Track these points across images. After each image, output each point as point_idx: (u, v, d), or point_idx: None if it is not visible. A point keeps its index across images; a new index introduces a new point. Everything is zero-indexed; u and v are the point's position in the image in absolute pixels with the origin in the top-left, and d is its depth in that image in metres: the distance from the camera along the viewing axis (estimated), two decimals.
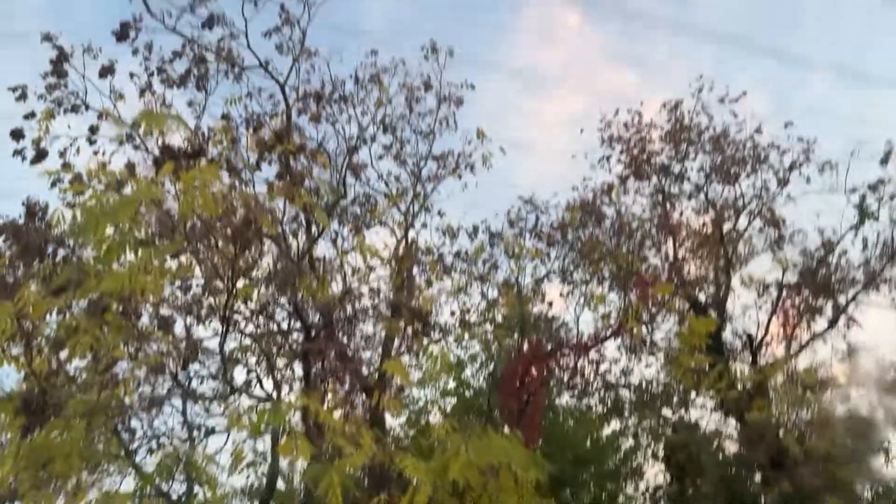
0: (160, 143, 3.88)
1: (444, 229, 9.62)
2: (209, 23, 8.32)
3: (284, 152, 5.77)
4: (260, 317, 7.68)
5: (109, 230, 3.53)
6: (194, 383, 7.64)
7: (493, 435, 4.96)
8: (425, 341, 5.82)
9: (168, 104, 8.72)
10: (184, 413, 8.37)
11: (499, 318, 12.54)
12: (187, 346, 5.22)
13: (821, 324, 11.20)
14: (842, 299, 11.13)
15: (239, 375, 8.61)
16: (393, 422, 11.60)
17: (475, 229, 9.51)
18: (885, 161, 10.44)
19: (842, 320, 11.07)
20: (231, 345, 8.25)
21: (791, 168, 11.39)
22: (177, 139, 4.23)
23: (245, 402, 7.73)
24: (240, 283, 5.17)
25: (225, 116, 8.59)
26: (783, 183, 11.48)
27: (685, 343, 7.75)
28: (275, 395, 7.13)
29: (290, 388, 7.68)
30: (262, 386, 8.39)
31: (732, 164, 11.77)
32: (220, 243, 4.47)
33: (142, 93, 8.73)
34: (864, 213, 10.68)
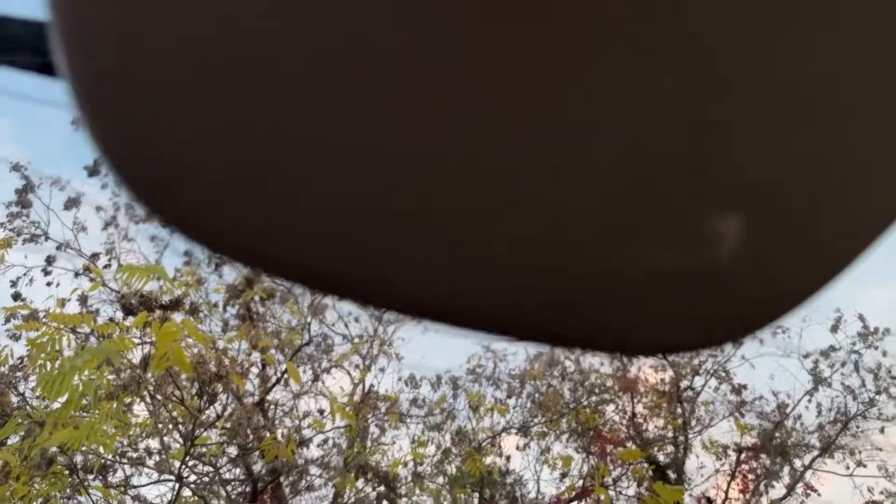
0: (136, 293, 3.76)
1: (406, 378, 9.43)
2: None
3: (253, 298, 5.66)
4: (206, 467, 7.21)
5: (74, 381, 3.31)
6: None
7: None
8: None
9: (131, 238, 8.65)
10: None
11: (452, 470, 12.10)
12: None
13: (779, 489, 11.08)
14: (798, 464, 11.09)
15: None
16: None
17: (438, 379, 9.37)
18: (835, 329, 10.82)
19: (799, 486, 10.98)
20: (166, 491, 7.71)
21: None
22: (151, 285, 4.14)
23: None
24: (197, 433, 4.87)
25: (188, 253, 8.51)
26: (738, 344, 11.73)
27: None
28: None
29: None
30: None
31: None
32: (184, 397, 4.24)
33: (106, 226, 8.65)
34: (817, 379, 10.90)
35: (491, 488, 11.85)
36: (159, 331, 3.27)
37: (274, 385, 7.15)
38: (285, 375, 8.04)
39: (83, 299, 4.70)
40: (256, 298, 7.18)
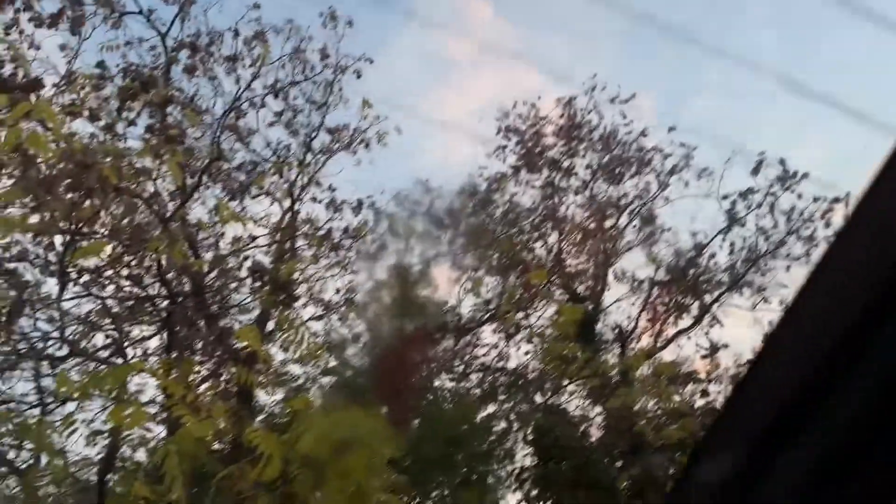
0: None
1: (327, 202, 9.46)
2: None
3: (153, 104, 5.43)
4: (120, 279, 7.27)
5: None
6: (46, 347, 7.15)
7: (351, 410, 4.90)
8: (289, 313, 5.63)
9: (37, 46, 8.12)
10: (36, 378, 7.86)
11: (386, 300, 12.51)
12: (16, 294, 4.80)
13: (686, 321, 11.80)
14: (707, 299, 11.76)
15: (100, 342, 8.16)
16: (267, 399, 11.38)
17: (359, 203, 9.40)
18: (755, 171, 11.09)
19: (706, 319, 11.71)
20: (87, 307, 7.82)
21: (671, 172, 11.92)
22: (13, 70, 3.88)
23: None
24: (87, 241, 4.82)
25: (100, 65, 8.07)
26: (663, 186, 12.00)
27: (557, 330, 7.98)
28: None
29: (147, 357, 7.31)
30: (122, 354, 7.95)
31: (618, 164, 12.20)
32: (55, 189, 4.11)
33: (6, 30, 8.07)
34: (732, 219, 11.31)
35: (421, 314, 12.34)
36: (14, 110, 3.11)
37: (188, 198, 7.02)
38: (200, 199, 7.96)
39: None
40: (168, 111, 6.93)
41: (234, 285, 8.43)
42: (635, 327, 11.53)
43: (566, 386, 11.25)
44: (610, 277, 12.12)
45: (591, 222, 12.41)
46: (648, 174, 12.08)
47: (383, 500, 4.38)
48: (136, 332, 8.69)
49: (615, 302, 12.17)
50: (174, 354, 5.97)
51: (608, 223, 12.33)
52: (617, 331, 11.46)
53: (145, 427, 5.13)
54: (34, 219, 5.56)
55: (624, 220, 12.34)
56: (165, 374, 4.27)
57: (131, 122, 7.04)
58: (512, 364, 11.86)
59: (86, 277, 6.09)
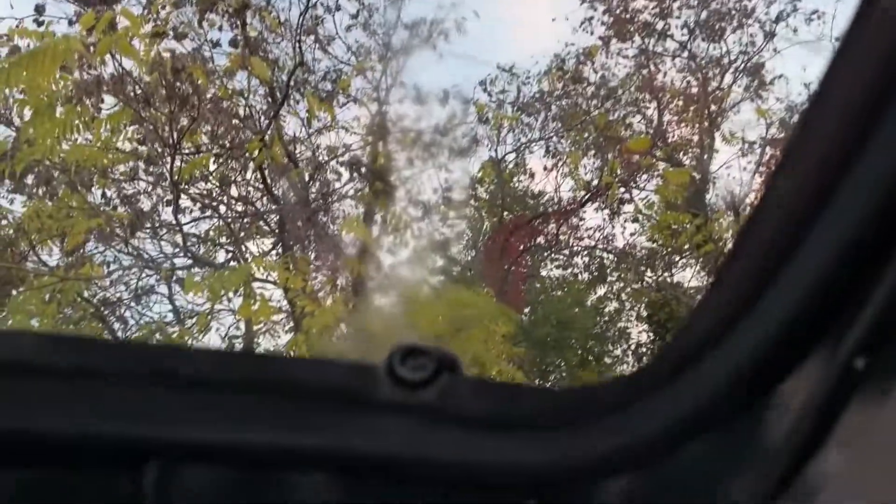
0: None
1: (413, 97, 9.32)
2: None
3: (231, 12, 5.44)
4: (231, 199, 7.57)
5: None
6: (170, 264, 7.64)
7: (463, 290, 4.98)
8: (391, 206, 5.69)
9: None
10: (170, 298, 8.46)
11: (483, 195, 12.51)
12: (133, 212, 5.10)
13: None
14: None
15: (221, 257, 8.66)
16: (382, 300, 11.77)
17: (446, 95, 9.23)
18: None
19: None
20: (204, 226, 8.25)
21: (777, 20, 10.94)
22: None
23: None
24: (190, 152, 5.00)
25: None
26: (769, 36, 11.06)
27: (662, 196, 7.70)
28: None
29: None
30: (241, 262, 8.40)
31: (717, 18, 11.30)
32: (153, 101, 4.25)
33: None
34: None
35: (519, 204, 12.27)
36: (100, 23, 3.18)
37: (281, 105, 7.06)
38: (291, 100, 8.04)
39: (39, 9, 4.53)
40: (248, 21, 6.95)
41: (335, 189, 8.59)
42: (749, 191, 10.98)
43: (678, 260, 10.98)
44: (717, 142, 11.51)
45: (692, 86, 11.70)
46: (752, 25, 11.14)
47: (503, 371, 4.48)
48: (254, 248, 9.14)
49: (723, 166, 11.61)
50: (289, 255, 6.22)
51: (711, 85, 11.58)
52: (729, 197, 10.95)
53: (273, 325, 5.42)
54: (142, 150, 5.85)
55: (728, 79, 11.55)
56: (284, 270, 4.48)
57: (216, 44, 7.13)
58: (619, 244, 11.67)
59: (198, 201, 6.41)
